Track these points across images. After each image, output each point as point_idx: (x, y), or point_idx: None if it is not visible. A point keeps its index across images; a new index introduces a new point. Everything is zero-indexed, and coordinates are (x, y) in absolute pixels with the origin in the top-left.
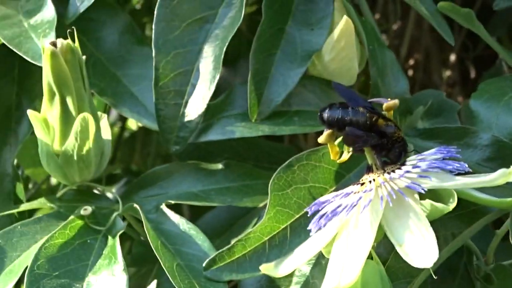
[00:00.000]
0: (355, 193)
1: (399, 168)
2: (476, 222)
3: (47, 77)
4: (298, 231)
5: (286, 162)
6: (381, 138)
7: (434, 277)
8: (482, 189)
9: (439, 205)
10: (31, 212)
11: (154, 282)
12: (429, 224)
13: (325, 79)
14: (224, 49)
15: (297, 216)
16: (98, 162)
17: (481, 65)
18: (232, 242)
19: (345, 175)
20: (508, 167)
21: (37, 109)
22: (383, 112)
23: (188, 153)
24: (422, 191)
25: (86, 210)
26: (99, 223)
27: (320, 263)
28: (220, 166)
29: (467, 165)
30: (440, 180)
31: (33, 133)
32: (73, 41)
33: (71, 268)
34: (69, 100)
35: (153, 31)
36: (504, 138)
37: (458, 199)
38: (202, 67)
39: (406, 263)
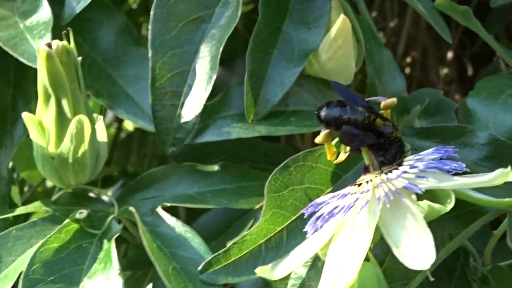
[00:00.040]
0: (352, 194)
1: (396, 169)
2: (473, 223)
3: (43, 79)
4: (295, 233)
5: (283, 163)
6: (378, 138)
7: (431, 279)
8: (479, 189)
9: (436, 205)
10: (27, 216)
11: (150, 286)
12: (426, 225)
13: (322, 79)
14: (221, 49)
15: (294, 217)
16: (94, 165)
17: (479, 62)
18: (228, 244)
19: (342, 176)
20: (505, 166)
21: (33, 110)
22: (381, 111)
23: (184, 154)
24: (420, 192)
25: (82, 213)
26: (95, 226)
27: (316, 265)
28: (216, 167)
29: (464, 165)
30: (437, 181)
31: (28, 135)
32: (69, 42)
33: (66, 273)
34: (64, 102)
35: (150, 31)
36: (502, 137)
37: (456, 199)
38: (199, 68)
39: (403, 265)
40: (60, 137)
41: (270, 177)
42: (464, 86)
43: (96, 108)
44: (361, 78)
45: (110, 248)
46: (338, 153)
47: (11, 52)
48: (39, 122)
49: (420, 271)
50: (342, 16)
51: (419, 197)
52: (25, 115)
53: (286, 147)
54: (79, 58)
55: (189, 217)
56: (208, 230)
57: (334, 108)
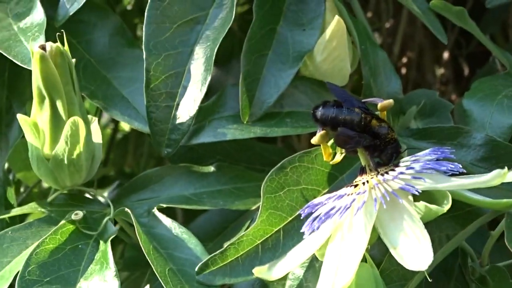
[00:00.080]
0: (348, 195)
1: (393, 170)
2: (471, 224)
3: (37, 81)
4: (291, 234)
5: (279, 164)
6: (374, 139)
7: (429, 279)
8: (476, 190)
9: (433, 206)
10: (22, 217)
11: (147, 287)
12: (423, 226)
13: (317, 80)
14: (215, 50)
15: (290, 218)
16: (89, 166)
17: (475, 62)
18: (225, 245)
19: (338, 177)
20: (502, 167)
21: (28, 112)
22: (376, 113)
23: (180, 155)
24: (416, 193)
25: (77, 214)
26: (91, 227)
27: (313, 266)
28: (212, 168)
29: (461, 166)
30: (434, 181)
31: (24, 136)
32: (63, 44)
33: (62, 274)
34: (59, 104)
35: (144, 33)
36: (498, 138)
37: (453, 200)
38: (193, 69)
39: (400, 266)
40: (55, 139)
41: (266, 178)
42: (460, 86)
43: (92, 109)
44: (358, 79)
45: (106, 249)
46: (334, 154)
47: (5, 54)
48: (34, 124)
49: (417, 272)
50: (336, 17)
51: (416, 198)
52: (20, 117)
53: (282, 148)
54: (73, 60)
55: (186, 218)
56: (204, 231)
57: (331, 108)
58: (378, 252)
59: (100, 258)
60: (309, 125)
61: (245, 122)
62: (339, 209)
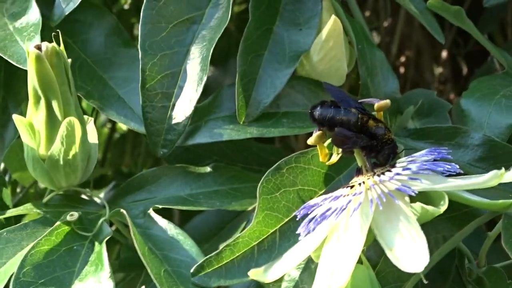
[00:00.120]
0: (344, 196)
1: (389, 170)
2: (467, 225)
3: (32, 81)
4: (288, 235)
5: (275, 165)
6: (371, 140)
7: (425, 281)
8: (473, 191)
9: (430, 208)
10: (18, 218)
11: None
12: (419, 227)
13: (314, 80)
14: (212, 50)
15: (286, 219)
16: (85, 167)
17: (473, 61)
18: (221, 247)
19: (334, 177)
20: (500, 167)
21: (24, 112)
22: (373, 113)
23: (176, 156)
24: (413, 194)
25: (73, 216)
26: (86, 229)
27: (309, 267)
28: (208, 169)
29: (458, 166)
30: (431, 182)
31: (20, 137)
32: (59, 43)
33: (57, 275)
34: (54, 104)
35: (139, 33)
36: (496, 138)
37: (449, 201)
38: (189, 69)
39: (396, 267)
40: (50, 139)
41: (262, 179)
42: (458, 85)
43: (89, 109)
44: (356, 78)
45: (102, 250)
46: (331, 155)
47: (0, 54)
48: (30, 124)
49: (413, 274)
50: (333, 17)
51: (413, 199)
52: (15, 117)
53: (279, 148)
54: (69, 60)
55: (183, 219)
56: (200, 232)
57: (328, 108)
58: (374, 254)
59: (95, 260)
60: (306, 126)
61: (241, 123)
62: (335, 210)
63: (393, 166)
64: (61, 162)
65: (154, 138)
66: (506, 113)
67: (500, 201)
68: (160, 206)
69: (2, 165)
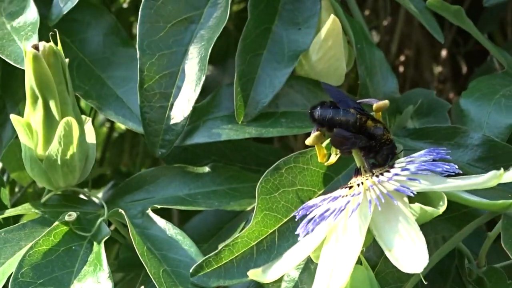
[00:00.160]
0: (343, 196)
1: (388, 171)
2: (467, 225)
3: (30, 81)
4: (287, 235)
5: (274, 165)
6: (369, 140)
7: (425, 282)
8: (472, 191)
9: (429, 208)
10: (16, 218)
11: None
12: (418, 228)
13: (313, 80)
14: (210, 50)
15: (285, 220)
16: (83, 167)
17: (473, 60)
18: (220, 247)
19: (333, 178)
20: (499, 167)
21: (21, 112)
22: (372, 113)
23: (174, 155)
24: (411, 194)
25: (71, 216)
26: (84, 229)
27: (309, 267)
28: (206, 169)
29: (457, 166)
30: (429, 183)
31: (17, 136)
32: (56, 43)
33: (56, 276)
34: (52, 104)
35: (138, 32)
36: (495, 138)
37: (449, 201)
38: (188, 69)
39: (396, 268)
40: (48, 139)
41: (261, 179)
42: (458, 85)
43: (87, 108)
44: (354, 77)
45: (100, 250)
46: (329, 155)
47: None
48: (27, 124)
49: (413, 274)
50: (332, 16)
51: (411, 200)
52: (13, 117)
53: (278, 148)
54: (67, 60)
55: (182, 219)
56: (199, 232)
57: (328, 109)
58: (373, 254)
59: (93, 260)
60: (305, 125)
61: (239, 123)
62: (334, 211)
63: (392, 166)
64: (59, 162)
65: (152, 138)
66: (506, 113)
67: (500, 201)
68: (159, 206)
69: (0, 164)
